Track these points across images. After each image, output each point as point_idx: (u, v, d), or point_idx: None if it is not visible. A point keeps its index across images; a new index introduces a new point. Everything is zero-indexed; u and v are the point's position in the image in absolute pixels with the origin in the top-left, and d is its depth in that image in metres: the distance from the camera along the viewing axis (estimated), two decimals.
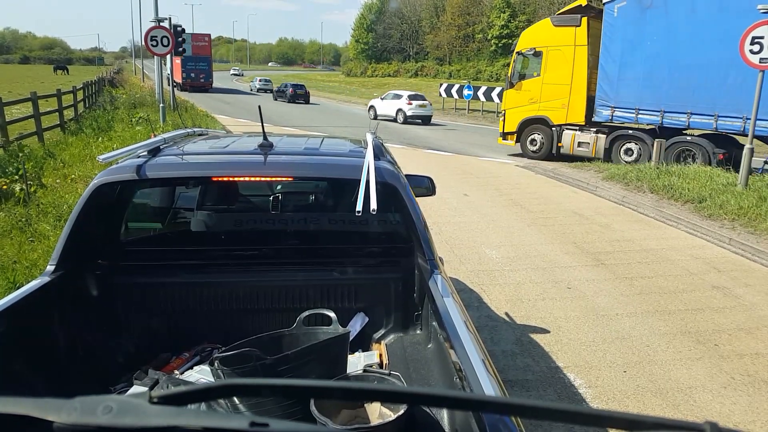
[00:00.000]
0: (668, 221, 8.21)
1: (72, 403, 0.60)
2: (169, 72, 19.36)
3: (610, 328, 4.66)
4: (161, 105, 15.98)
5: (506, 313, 4.87)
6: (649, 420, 0.57)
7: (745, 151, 8.92)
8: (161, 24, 15.21)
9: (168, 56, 16.32)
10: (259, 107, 3.03)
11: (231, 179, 2.87)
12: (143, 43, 15.65)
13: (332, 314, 2.30)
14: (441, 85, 28.25)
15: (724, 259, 6.60)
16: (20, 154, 9.29)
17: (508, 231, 7.53)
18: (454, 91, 25.94)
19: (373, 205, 2.21)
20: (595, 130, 12.46)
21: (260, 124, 2.94)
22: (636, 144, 11.93)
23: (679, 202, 8.87)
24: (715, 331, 4.66)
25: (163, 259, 2.79)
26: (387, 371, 2.25)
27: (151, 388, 2.15)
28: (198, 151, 2.93)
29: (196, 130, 3.54)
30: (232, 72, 71.72)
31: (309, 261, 2.83)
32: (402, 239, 2.76)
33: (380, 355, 2.56)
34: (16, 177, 7.80)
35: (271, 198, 3.23)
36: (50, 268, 2.32)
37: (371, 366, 2.41)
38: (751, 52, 8.24)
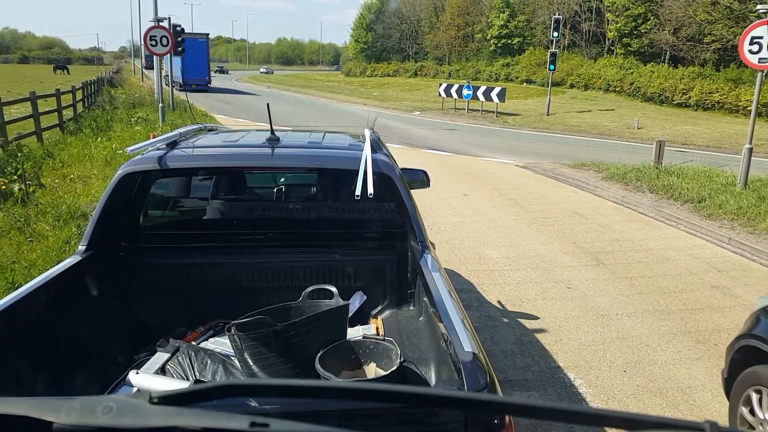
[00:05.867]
0: (668, 221, 8.21)
1: (71, 403, 0.60)
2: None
3: (610, 328, 4.66)
4: (160, 105, 15.95)
5: (506, 313, 4.87)
6: (649, 419, 0.57)
7: (744, 151, 8.92)
8: (160, 24, 15.19)
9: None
10: (268, 105, 3.19)
11: (242, 169, 3.18)
12: (142, 42, 15.62)
13: (334, 289, 2.50)
14: (440, 84, 28.20)
15: (723, 259, 6.60)
16: (19, 154, 9.27)
17: (508, 231, 7.53)
18: (453, 90, 25.86)
19: (370, 190, 2.46)
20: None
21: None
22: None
23: (679, 201, 8.87)
24: (715, 330, 4.65)
25: (180, 242, 3.06)
26: (382, 337, 2.53)
27: (173, 355, 2.42)
28: (211, 145, 3.15)
29: (207, 125, 3.75)
30: (215, 69, 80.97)
31: (312, 245, 3.07)
32: (396, 225, 2.98)
33: (377, 328, 2.80)
34: (15, 177, 7.79)
35: (275, 189, 3.54)
36: (81, 248, 2.57)
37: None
38: (750, 52, 8.23)
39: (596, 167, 11.78)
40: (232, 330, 2.21)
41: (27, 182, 7.68)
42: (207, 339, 2.69)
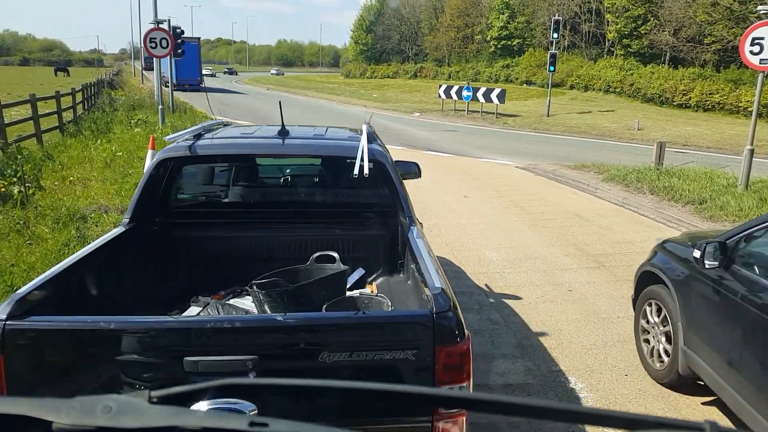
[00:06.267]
0: (669, 223, 8.18)
1: (71, 402, 0.60)
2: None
3: (612, 331, 4.64)
4: (160, 107, 15.93)
5: (506, 316, 4.84)
6: (649, 419, 0.57)
7: (745, 152, 8.90)
8: (160, 26, 15.18)
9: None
10: (280, 103, 3.63)
11: (259, 156, 3.79)
12: (142, 45, 15.60)
13: (336, 254, 3.07)
14: (440, 86, 28.21)
15: None
16: (19, 157, 9.25)
17: (508, 233, 7.50)
18: (453, 92, 25.87)
19: (366, 171, 3.02)
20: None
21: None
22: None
23: (680, 203, 8.84)
24: None
25: (204, 219, 3.59)
26: (375, 293, 3.03)
27: (203, 308, 2.80)
28: (231, 136, 3.69)
29: (223, 120, 4.19)
30: (224, 70, 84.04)
31: (316, 222, 3.57)
32: (388, 205, 3.43)
33: (371, 291, 3.32)
34: (15, 179, 7.76)
35: (282, 179, 4.12)
36: (125, 220, 3.05)
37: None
38: (751, 53, 8.21)
39: (597, 168, 11.76)
40: (254, 287, 2.70)
41: (26, 184, 7.66)
42: (227, 301, 3.10)
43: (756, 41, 8.15)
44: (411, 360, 1.94)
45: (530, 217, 8.33)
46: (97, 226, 6.57)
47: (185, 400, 0.64)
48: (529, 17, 42.81)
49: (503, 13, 43.97)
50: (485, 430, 3.22)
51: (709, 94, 26.82)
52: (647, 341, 4.05)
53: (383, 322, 2.12)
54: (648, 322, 4.05)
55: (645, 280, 4.15)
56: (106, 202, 7.65)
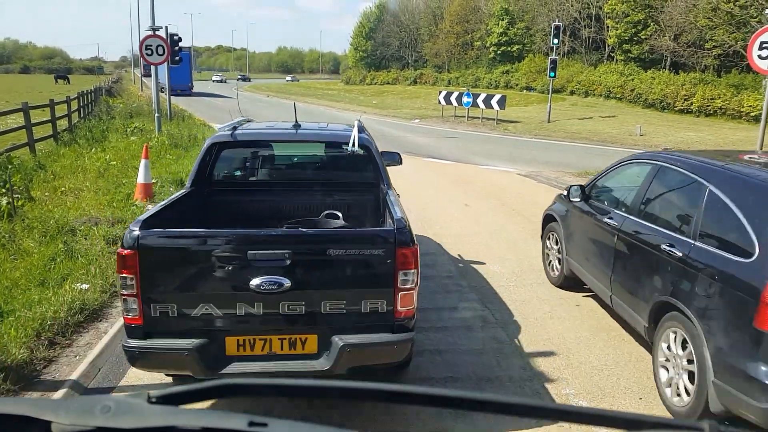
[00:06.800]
0: None
1: (70, 402, 0.60)
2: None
3: (623, 350, 4.39)
4: (157, 115, 15.73)
5: (512, 334, 4.60)
6: (649, 420, 0.59)
7: None
8: (157, 33, 15.02)
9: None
10: (294, 104, 4.96)
11: (280, 142, 4.92)
12: (139, 52, 15.42)
13: (339, 213, 4.50)
14: (440, 92, 28.07)
15: None
16: (9, 166, 9.02)
17: (512, 243, 7.27)
18: (453, 98, 25.70)
19: (356, 147, 4.37)
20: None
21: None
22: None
23: None
24: None
25: (240, 187, 4.87)
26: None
27: None
28: (258, 128, 5.00)
29: (247, 118, 5.31)
30: (238, 77, 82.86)
31: (321, 190, 4.79)
32: (373, 177, 4.66)
33: None
34: (3, 190, 7.54)
35: (295, 161, 5.33)
36: (187, 185, 4.29)
37: None
38: (759, 57, 8.02)
39: None
40: (285, 227, 4.01)
41: (15, 195, 7.44)
42: None
43: (764, 45, 7.95)
44: (382, 255, 3.06)
45: (533, 227, 8.08)
46: (86, 239, 6.33)
47: (184, 400, 0.64)
48: (529, 23, 42.76)
49: (503, 19, 43.91)
50: None
51: (711, 99, 26.66)
52: (548, 259, 5.93)
53: (366, 234, 3.51)
54: (548, 247, 5.92)
55: (546, 220, 6.05)
56: (96, 214, 7.41)
